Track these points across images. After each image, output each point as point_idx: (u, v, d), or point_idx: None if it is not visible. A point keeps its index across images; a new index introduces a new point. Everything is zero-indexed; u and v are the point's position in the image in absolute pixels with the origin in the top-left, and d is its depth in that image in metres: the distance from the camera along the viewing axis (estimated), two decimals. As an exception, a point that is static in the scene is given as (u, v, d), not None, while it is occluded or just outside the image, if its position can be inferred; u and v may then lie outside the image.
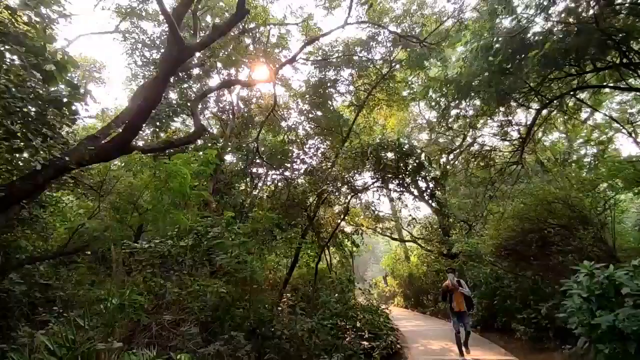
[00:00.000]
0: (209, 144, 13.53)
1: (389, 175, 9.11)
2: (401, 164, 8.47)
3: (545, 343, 8.55)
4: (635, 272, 4.24)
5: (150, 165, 6.59)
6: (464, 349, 8.12)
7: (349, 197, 11.09)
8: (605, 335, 3.82)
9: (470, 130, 12.16)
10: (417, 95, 11.31)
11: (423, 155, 8.58)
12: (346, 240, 17.76)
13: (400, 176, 8.89)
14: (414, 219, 18.30)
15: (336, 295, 8.69)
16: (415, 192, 20.54)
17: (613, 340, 3.83)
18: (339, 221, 12.79)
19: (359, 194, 11.14)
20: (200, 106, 15.83)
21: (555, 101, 8.43)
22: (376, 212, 15.56)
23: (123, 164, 7.64)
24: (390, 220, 23.09)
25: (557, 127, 14.54)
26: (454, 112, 9.82)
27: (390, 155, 8.44)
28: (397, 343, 9.36)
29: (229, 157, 16.35)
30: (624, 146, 40.21)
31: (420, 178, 8.85)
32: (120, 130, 5.95)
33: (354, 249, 19.25)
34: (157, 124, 12.54)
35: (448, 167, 19.71)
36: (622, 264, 4.42)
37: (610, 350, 4.03)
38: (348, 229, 18.83)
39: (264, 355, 6.54)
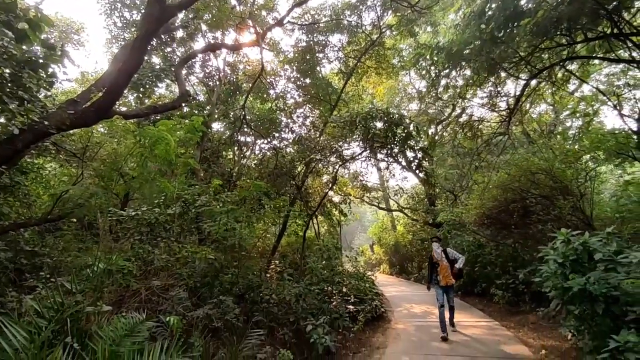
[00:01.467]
0: (196, 112, 13.22)
1: (377, 145, 9.09)
2: (389, 134, 8.43)
3: (521, 306, 9.02)
4: (608, 239, 4.44)
5: (134, 131, 6.44)
6: (449, 327, 7.33)
7: (337, 166, 11.08)
8: (577, 297, 4.03)
9: (460, 100, 12.10)
10: (407, 63, 11.09)
11: (412, 125, 8.53)
12: (334, 209, 18.00)
13: (389, 146, 8.88)
14: (401, 188, 18.57)
15: (323, 262, 8.87)
16: (403, 163, 20.78)
17: (583, 302, 4.05)
18: (327, 190, 12.85)
19: (347, 163, 11.14)
20: (185, 71, 15.32)
21: (544, 72, 8.40)
22: (364, 182, 15.66)
23: (106, 130, 7.44)
24: (378, 190, 23.40)
25: (544, 98, 14.59)
26: (443, 81, 9.72)
27: (378, 124, 8.36)
28: (382, 307, 9.74)
29: (216, 125, 16.07)
30: (609, 119, 40.76)
31: (408, 148, 8.85)
32: (101, 95, 5.73)
33: (342, 218, 19.57)
34: (141, 89, 12.16)
35: (436, 137, 19.86)
36: (598, 232, 4.60)
37: (580, 311, 4.28)
38: (336, 198, 19.07)
39: (253, 318, 6.75)
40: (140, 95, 12.27)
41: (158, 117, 10.77)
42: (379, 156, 16.76)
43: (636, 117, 9.51)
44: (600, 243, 4.32)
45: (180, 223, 7.04)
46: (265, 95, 15.73)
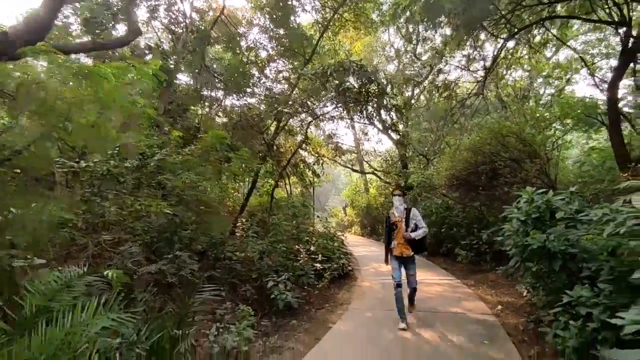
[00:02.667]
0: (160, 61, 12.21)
1: (351, 103, 8.72)
2: (363, 90, 8.05)
3: (483, 266, 9.34)
4: (571, 198, 4.43)
5: (70, 67, 5.75)
6: (407, 312, 5.67)
7: (307, 121, 10.67)
8: (535, 254, 4.04)
9: (437, 61, 11.76)
10: (386, 17, 10.48)
11: (385, 80, 8.12)
12: (307, 169, 17.77)
13: (362, 103, 8.52)
14: (374, 150, 18.47)
15: (293, 222, 8.70)
16: (379, 126, 20.57)
17: (542, 259, 4.07)
18: (297, 147, 12.48)
19: (320, 122, 10.75)
20: (146, 15, 14.05)
21: (523, 31, 8.14)
22: (337, 143, 15.38)
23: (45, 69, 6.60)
24: (353, 152, 23.26)
25: (521, 64, 14.47)
26: (421, 37, 9.31)
27: (352, 80, 7.93)
28: (349, 266, 9.84)
29: (185, 78, 15.05)
30: (579, 87, 41.69)
31: (382, 107, 8.52)
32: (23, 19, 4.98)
33: (315, 179, 19.44)
34: (97, 31, 11.02)
35: (412, 100, 19.62)
36: (561, 191, 4.58)
37: (538, 268, 4.33)
38: (311, 159, 18.81)
39: (214, 274, 6.59)
40: (96, 38, 11.14)
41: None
42: (355, 117, 16.47)
43: (606, 85, 9.57)
44: (563, 202, 4.30)
45: (138, 176, 6.58)
46: (237, 48, 14.73)
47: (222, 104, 13.29)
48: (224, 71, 12.24)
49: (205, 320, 5.26)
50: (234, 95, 12.52)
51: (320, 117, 10.32)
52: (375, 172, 21.06)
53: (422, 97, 20.27)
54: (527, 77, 17.30)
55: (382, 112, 8.74)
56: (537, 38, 10.67)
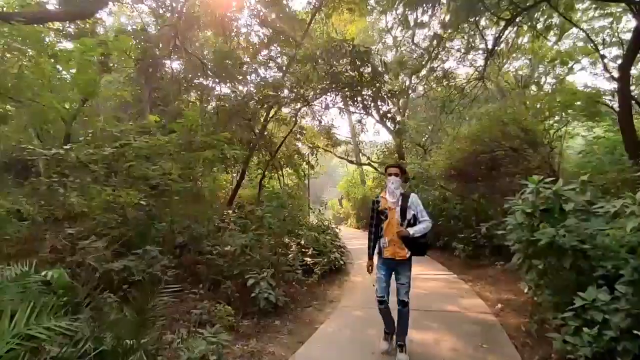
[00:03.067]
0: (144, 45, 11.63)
1: (344, 88, 8.19)
2: (356, 73, 7.52)
3: (481, 260, 8.93)
4: (582, 188, 3.97)
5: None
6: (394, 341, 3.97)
7: (297, 106, 10.12)
8: (543, 250, 3.59)
9: (435, 47, 11.21)
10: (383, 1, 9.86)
11: (381, 65, 7.54)
12: (301, 160, 17.28)
13: (355, 88, 7.98)
14: (372, 141, 17.96)
15: (285, 214, 8.22)
16: (376, 116, 20.03)
17: (550, 255, 3.63)
18: (287, 135, 11.94)
19: (310, 107, 10.21)
20: (131, -1, 13.42)
21: (526, 13, 7.60)
22: (333, 133, 14.86)
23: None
24: (349, 144, 22.73)
25: (522, 51, 13.92)
26: (419, 20, 8.77)
27: (344, 62, 7.37)
28: (341, 259, 9.42)
29: (175, 65, 14.42)
30: (581, 78, 41.16)
31: (377, 92, 7.97)
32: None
33: (309, 170, 18.95)
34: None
35: (410, 90, 19.06)
36: (572, 180, 4.13)
37: (545, 265, 3.89)
38: (306, 150, 18.29)
39: (196, 271, 6.16)
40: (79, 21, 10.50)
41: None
42: (350, 107, 15.92)
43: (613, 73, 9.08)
44: (574, 192, 3.85)
45: (108, 164, 6.07)
46: (227, 32, 14.09)
47: (212, 91, 12.68)
48: (213, 57, 11.64)
49: (179, 323, 4.83)
50: (223, 83, 11.93)
51: (311, 103, 9.75)
52: (372, 163, 20.57)
53: (419, 87, 19.79)
54: (529, 65, 16.80)
55: (377, 98, 8.19)
56: (540, 25, 10.15)
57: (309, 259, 8.23)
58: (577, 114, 8.70)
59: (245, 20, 13.04)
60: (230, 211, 8.38)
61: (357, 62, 7.12)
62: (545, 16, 9.88)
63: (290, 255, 8.08)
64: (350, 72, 7.55)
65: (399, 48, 18.01)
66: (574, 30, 13.99)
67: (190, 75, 12.85)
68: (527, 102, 9.59)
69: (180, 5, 13.71)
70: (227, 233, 6.27)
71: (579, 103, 8.32)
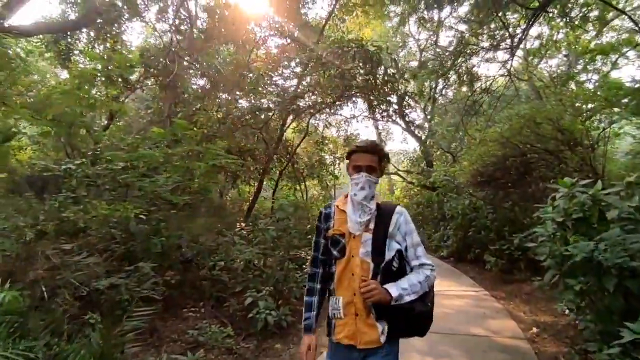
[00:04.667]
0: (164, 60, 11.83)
1: (359, 92, 7.76)
2: (370, 77, 7.06)
3: (516, 275, 8.07)
4: (628, 192, 3.29)
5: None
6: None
7: (314, 114, 9.78)
8: (579, 268, 2.96)
9: (459, 47, 10.57)
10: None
11: (395, 66, 6.99)
12: (324, 170, 16.95)
13: (371, 91, 7.51)
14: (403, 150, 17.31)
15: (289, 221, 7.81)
16: (402, 124, 19.37)
17: (588, 274, 2.98)
18: (300, 142, 11.61)
19: (324, 114, 9.85)
20: (155, 16, 13.80)
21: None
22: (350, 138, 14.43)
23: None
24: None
25: (556, 45, 12.90)
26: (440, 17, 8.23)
27: (353, 65, 6.93)
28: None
29: (196, 80, 14.65)
30: (627, 72, 38.22)
31: (393, 94, 7.46)
32: None
33: (334, 180, 18.52)
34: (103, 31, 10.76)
35: (437, 95, 18.29)
36: (614, 183, 3.46)
37: (583, 286, 3.23)
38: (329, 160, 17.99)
39: (201, 287, 5.89)
40: (102, 37, 10.89)
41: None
42: (376, 115, 15.45)
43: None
44: (617, 197, 3.19)
45: (122, 178, 5.96)
46: (246, 45, 14.15)
47: (234, 104, 12.69)
48: (231, 70, 11.63)
49: (176, 344, 4.54)
50: (244, 96, 11.86)
51: (321, 110, 9.39)
52: (398, 172, 19.84)
53: (448, 92, 18.96)
54: (566, 62, 15.63)
55: (393, 100, 7.67)
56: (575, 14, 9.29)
57: (325, 274, 7.77)
58: (624, 111, 7.75)
59: (264, 32, 12.98)
60: (243, 224, 8.12)
61: (368, 64, 6.68)
62: (581, 3, 9.05)
63: (305, 269, 7.69)
64: (363, 75, 7.13)
65: (423, 52, 17.45)
66: (617, 21, 12.86)
67: (207, 87, 12.94)
68: (564, 100, 8.68)
69: (201, 21, 14.04)
70: (235, 247, 5.95)
71: (625, 100, 7.41)
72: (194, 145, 5.69)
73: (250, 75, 11.74)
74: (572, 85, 13.39)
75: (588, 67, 14.06)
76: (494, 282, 8.26)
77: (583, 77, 15.57)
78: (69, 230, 4.85)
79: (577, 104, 8.75)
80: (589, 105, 8.60)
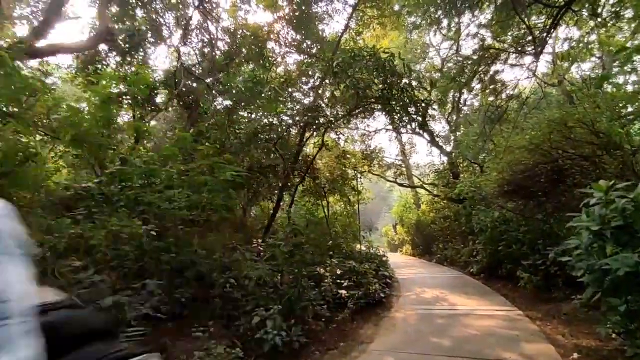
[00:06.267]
0: (187, 82, 12.12)
1: (373, 102, 7.52)
2: (385, 87, 6.79)
3: (553, 292, 7.38)
4: (678, 195, 2.85)
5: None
6: None
7: (324, 128, 9.59)
8: (623, 284, 2.53)
9: (481, 52, 10.17)
10: (409, 1, 9.13)
11: (405, 67, 6.61)
12: (346, 186, 16.65)
13: (389, 103, 7.24)
14: (432, 163, 16.78)
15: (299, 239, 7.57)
16: (427, 136, 18.88)
17: (634, 291, 2.55)
18: (316, 153, 11.41)
19: (339, 127, 9.65)
20: (176, 40, 14.32)
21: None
22: (375, 154, 14.11)
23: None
24: (398, 167, 21.63)
25: (589, 47, 12.21)
26: (457, 21, 7.95)
27: (368, 74, 6.71)
28: (383, 291, 8.43)
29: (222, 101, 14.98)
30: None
31: (411, 104, 7.13)
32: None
33: (357, 196, 18.17)
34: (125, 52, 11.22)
35: (461, 104, 17.74)
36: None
37: (632, 305, 2.78)
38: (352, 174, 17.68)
39: (213, 304, 5.71)
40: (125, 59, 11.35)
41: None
42: (400, 128, 15.11)
43: None
44: (664, 201, 2.76)
45: (132, 194, 5.99)
46: (267, 64, 14.35)
47: (248, 119, 12.80)
48: (253, 89, 11.78)
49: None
50: (257, 110, 11.94)
51: (337, 122, 9.19)
52: (424, 185, 19.24)
53: (473, 101, 18.38)
54: (600, 65, 14.77)
55: (412, 110, 7.36)
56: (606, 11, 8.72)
57: (344, 292, 7.43)
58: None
59: (282, 49, 13.14)
60: (260, 240, 7.96)
61: (381, 73, 6.44)
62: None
63: (324, 287, 7.39)
64: (378, 84, 6.90)
65: (444, 62, 17.08)
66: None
67: (229, 106, 13.15)
68: (599, 102, 8.07)
69: (222, 43, 14.44)
70: (247, 263, 5.77)
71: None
72: (205, 160, 5.63)
73: (269, 92, 11.87)
74: (608, 88, 12.58)
75: (625, 68, 13.19)
76: (528, 301, 7.60)
77: (620, 79, 14.67)
78: (80, 247, 4.85)
79: (615, 107, 8.13)
80: (629, 109, 7.99)
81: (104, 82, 5.73)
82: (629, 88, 12.87)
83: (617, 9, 8.54)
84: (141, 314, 3.90)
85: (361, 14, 11.24)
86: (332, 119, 8.47)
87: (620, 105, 8.22)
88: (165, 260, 4.96)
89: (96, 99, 5.72)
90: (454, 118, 18.08)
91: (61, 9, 6.11)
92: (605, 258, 2.84)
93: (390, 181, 20.95)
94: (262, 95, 9.45)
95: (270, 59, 14.02)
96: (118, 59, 10.64)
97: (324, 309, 5.86)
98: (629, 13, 10.54)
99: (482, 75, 10.85)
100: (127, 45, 10.73)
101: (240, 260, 6.08)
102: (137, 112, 11.73)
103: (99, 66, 10.92)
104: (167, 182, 6.34)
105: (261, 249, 7.22)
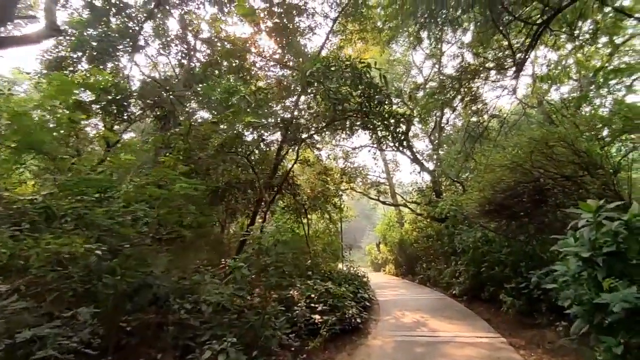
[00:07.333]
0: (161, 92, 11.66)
1: (351, 115, 7.21)
2: (363, 100, 6.50)
3: (537, 318, 7.02)
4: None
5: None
6: None
7: (301, 142, 9.24)
8: (620, 322, 2.17)
9: (462, 71, 10.11)
10: (388, 18, 8.99)
11: (381, 78, 6.34)
12: (327, 204, 16.23)
13: (368, 116, 6.95)
14: (414, 181, 16.58)
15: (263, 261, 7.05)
16: (408, 154, 18.77)
17: (633, 330, 2.18)
18: (292, 166, 11.01)
19: (313, 143, 9.29)
20: (157, 51, 13.95)
21: (566, 9, 6.36)
22: (356, 171, 13.81)
23: None
24: (383, 184, 21.40)
25: (566, 73, 12.34)
26: (435, 35, 7.83)
27: (349, 87, 6.42)
28: (360, 315, 7.94)
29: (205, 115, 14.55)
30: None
31: (389, 117, 6.86)
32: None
33: (340, 213, 17.76)
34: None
35: (444, 124, 17.79)
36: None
37: (625, 339, 2.40)
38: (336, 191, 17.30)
39: (167, 332, 5.12)
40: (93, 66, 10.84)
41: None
42: (382, 146, 14.89)
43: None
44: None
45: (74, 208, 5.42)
46: (247, 77, 14.05)
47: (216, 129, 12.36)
48: (227, 100, 11.40)
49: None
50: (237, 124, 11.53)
51: (313, 136, 8.85)
52: (407, 203, 18.99)
53: (455, 120, 18.46)
54: (578, 87, 15.04)
55: (391, 125, 7.07)
56: (585, 27, 8.78)
57: (317, 317, 6.92)
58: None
59: (262, 63, 12.87)
60: (228, 260, 7.39)
61: (359, 84, 6.14)
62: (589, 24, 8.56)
63: (296, 311, 6.86)
64: (356, 97, 6.60)
65: (427, 82, 17.15)
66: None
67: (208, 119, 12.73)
68: (579, 123, 7.98)
69: (202, 54, 14.12)
70: (207, 287, 5.23)
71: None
72: (158, 173, 5.15)
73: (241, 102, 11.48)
74: (587, 109, 12.72)
75: (601, 90, 13.42)
76: (511, 326, 7.24)
77: (597, 101, 14.93)
78: (13, 268, 4.25)
79: (594, 127, 8.06)
80: (605, 132, 7.93)
81: (56, 86, 5.23)
82: (605, 111, 13.07)
83: (594, 32, 8.60)
84: (69, 348, 3.33)
85: (342, 28, 11.10)
86: (307, 132, 8.10)
87: (599, 126, 8.19)
88: (110, 284, 4.39)
89: (50, 104, 5.24)
90: (437, 136, 18.06)
91: (14, 8, 5.64)
92: (595, 288, 2.49)
93: (373, 199, 20.63)
94: (233, 105, 9.01)
95: (250, 71, 13.77)
96: (86, 65, 10.13)
97: (292, 338, 5.32)
98: (604, 38, 10.78)
99: (463, 93, 10.80)
100: (95, 52, 10.27)
101: (201, 283, 5.55)
102: (109, 121, 11.17)
103: (66, 72, 10.41)
104: (125, 196, 5.83)
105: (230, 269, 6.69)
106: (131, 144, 5.80)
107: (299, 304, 7.18)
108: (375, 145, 15.92)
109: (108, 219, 4.53)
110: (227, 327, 4.61)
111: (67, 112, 5.65)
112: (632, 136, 7.55)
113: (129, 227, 4.69)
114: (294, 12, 10.51)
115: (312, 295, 7.62)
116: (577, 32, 8.32)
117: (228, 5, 11.99)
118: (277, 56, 11.84)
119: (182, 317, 5.17)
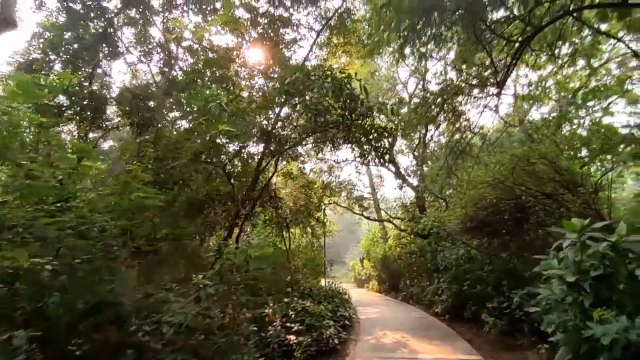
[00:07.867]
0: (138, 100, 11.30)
1: (332, 128, 7.05)
2: (346, 111, 6.34)
3: (519, 339, 6.84)
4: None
5: None
6: None
7: (279, 154, 9.03)
8: (609, 355, 1.96)
9: (446, 87, 10.15)
10: (370, 28, 9.01)
11: (364, 89, 6.22)
12: (309, 218, 15.96)
13: (352, 130, 6.78)
14: (399, 197, 16.51)
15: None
16: (393, 169, 18.77)
17: (622, 364, 1.98)
18: (270, 177, 10.74)
19: (294, 154, 9.09)
20: (138, 58, 13.64)
21: (548, 27, 6.42)
22: (342, 186, 13.65)
23: None
24: (367, 200, 21.27)
25: (546, 94, 12.60)
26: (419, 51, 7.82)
27: (329, 98, 6.28)
28: (339, 336, 7.60)
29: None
30: (617, 117, 38.34)
31: (371, 131, 6.73)
32: None
33: (323, 228, 17.49)
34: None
35: (428, 140, 17.89)
36: None
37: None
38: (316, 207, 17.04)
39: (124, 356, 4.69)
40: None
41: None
42: (366, 161, 14.76)
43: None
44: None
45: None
46: (231, 87, 13.84)
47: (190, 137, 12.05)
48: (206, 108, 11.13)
49: None
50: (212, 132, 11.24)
51: (292, 147, 8.65)
52: (391, 219, 18.86)
53: (439, 137, 18.59)
54: (557, 107, 15.39)
55: (374, 138, 6.93)
56: (564, 49, 8.94)
57: (292, 337, 6.57)
58: (623, 158, 7.08)
59: (246, 73, 12.70)
60: (200, 276, 7.00)
61: (339, 96, 6.00)
62: (568, 46, 8.73)
63: (271, 332, 6.51)
64: (337, 109, 6.45)
65: (411, 99, 17.28)
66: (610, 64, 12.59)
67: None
68: (559, 142, 8.02)
69: (185, 63, 13.88)
70: (172, 306, 4.86)
71: (622, 147, 6.79)
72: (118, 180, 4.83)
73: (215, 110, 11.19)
74: (567, 128, 12.96)
75: (580, 111, 13.73)
76: (493, 347, 7.03)
77: (575, 121, 15.29)
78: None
79: (573, 146, 8.13)
80: (584, 151, 8.01)
81: (14, 86, 4.89)
82: (584, 131, 13.35)
83: (573, 53, 8.78)
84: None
85: (327, 41, 11.08)
86: (288, 144, 7.89)
87: (578, 145, 8.27)
88: (59, 303, 3.99)
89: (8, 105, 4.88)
90: (421, 152, 18.13)
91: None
92: (581, 314, 2.30)
93: (357, 214, 20.45)
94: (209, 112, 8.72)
95: (233, 81, 13.57)
96: (59, 69, 9.74)
97: (263, 362, 4.97)
98: (582, 61, 11.07)
99: (447, 110, 10.83)
100: (69, 56, 9.91)
101: (166, 301, 5.16)
102: (83, 128, 10.72)
103: (38, 75, 9.99)
104: (89, 206, 5.45)
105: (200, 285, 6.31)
106: (99, 152, 5.45)
107: (274, 324, 6.84)
108: (359, 160, 15.86)
109: (58, 229, 4.15)
110: (191, 350, 4.22)
111: (30, 115, 5.29)
112: (609, 156, 7.66)
113: (89, 239, 4.32)
114: (279, 23, 10.43)
115: (290, 313, 7.27)
116: (557, 52, 8.44)
117: (212, 13, 11.86)
118: (261, 67, 11.67)
119: (142, 339, 4.77)
